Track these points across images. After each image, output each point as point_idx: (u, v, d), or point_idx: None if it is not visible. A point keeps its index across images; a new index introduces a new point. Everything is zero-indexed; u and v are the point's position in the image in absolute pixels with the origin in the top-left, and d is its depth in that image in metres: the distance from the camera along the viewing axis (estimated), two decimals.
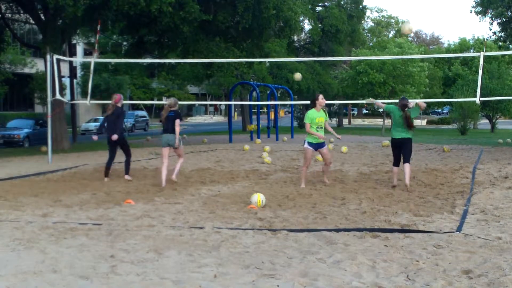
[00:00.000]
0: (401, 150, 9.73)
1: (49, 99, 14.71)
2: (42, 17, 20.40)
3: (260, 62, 33.97)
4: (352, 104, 61.40)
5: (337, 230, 6.24)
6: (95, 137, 12.06)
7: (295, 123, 38.64)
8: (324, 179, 10.45)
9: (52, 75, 14.71)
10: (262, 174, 12.10)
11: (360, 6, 44.06)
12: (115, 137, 10.86)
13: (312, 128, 9.82)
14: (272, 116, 35.55)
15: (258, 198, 8.05)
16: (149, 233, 6.21)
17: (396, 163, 9.89)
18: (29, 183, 10.74)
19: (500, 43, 22.62)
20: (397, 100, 10.22)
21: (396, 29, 64.92)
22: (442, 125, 49.06)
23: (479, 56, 13.47)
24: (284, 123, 43.08)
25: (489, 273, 4.58)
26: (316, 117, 9.80)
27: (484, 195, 8.63)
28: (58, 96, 15.94)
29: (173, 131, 10.35)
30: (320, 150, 10.06)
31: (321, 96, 9.98)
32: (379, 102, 11.05)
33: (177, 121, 10.40)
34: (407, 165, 9.60)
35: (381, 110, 11.65)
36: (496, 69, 39.34)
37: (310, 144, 9.94)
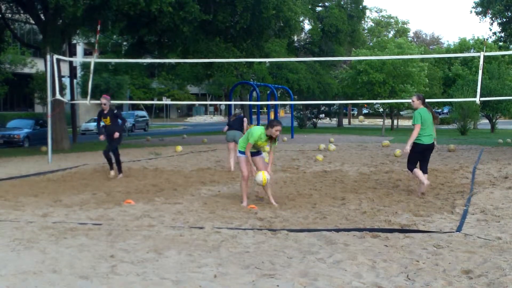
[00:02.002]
0: (425, 155, 8.93)
1: (49, 99, 14.72)
2: (42, 17, 20.41)
3: (260, 62, 33.99)
4: (352, 104, 61.42)
5: (337, 230, 6.23)
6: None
7: (295, 123, 38.67)
8: (270, 199, 8.24)
9: (52, 75, 14.71)
10: None
11: (360, 6, 44.11)
12: (116, 135, 11.46)
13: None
14: (272, 116, 35.58)
15: (263, 176, 7.95)
16: (149, 233, 6.21)
17: (416, 165, 8.89)
18: (29, 183, 10.74)
19: (500, 43, 22.62)
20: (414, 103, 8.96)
21: (395, 29, 65.00)
22: (442, 125, 49.03)
23: (479, 56, 13.47)
24: (284, 123, 43.10)
25: (489, 273, 4.58)
26: (261, 140, 8.08)
27: (484, 195, 8.62)
28: (58, 96, 15.94)
29: (238, 128, 12.49)
30: (253, 158, 8.27)
31: (278, 128, 8.03)
32: (409, 143, 8.87)
33: (245, 119, 12.93)
34: (426, 175, 8.94)
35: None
36: (496, 69, 39.35)
37: (241, 152, 8.26)
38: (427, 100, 9.19)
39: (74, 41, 36.71)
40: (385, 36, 56.55)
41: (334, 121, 51.27)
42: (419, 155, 8.89)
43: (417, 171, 8.81)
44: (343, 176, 11.54)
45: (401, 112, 42.97)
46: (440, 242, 5.66)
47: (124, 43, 31.44)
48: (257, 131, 8.09)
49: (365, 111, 73.89)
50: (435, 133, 8.97)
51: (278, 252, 5.36)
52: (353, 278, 4.53)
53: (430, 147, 8.88)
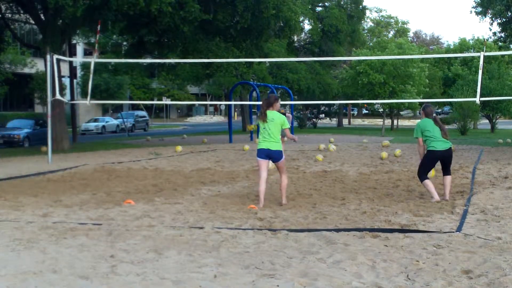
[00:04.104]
0: (444, 162, 8.45)
1: (49, 99, 14.72)
2: (42, 17, 20.40)
3: (260, 62, 33.99)
4: (352, 104, 61.39)
5: (337, 230, 6.23)
6: None
7: (295, 123, 38.67)
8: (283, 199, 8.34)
9: (52, 75, 14.71)
10: None
11: (360, 6, 44.11)
12: None
13: None
14: None
15: None
16: (149, 233, 6.21)
17: (427, 176, 8.46)
18: (29, 183, 10.74)
19: (500, 43, 22.62)
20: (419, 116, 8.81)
21: (395, 29, 65.02)
22: None
23: (479, 56, 13.48)
24: None
25: (489, 273, 4.58)
26: None
27: (484, 195, 8.62)
28: (58, 96, 15.94)
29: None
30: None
31: (278, 100, 8.40)
32: (421, 149, 8.54)
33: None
34: (449, 178, 8.56)
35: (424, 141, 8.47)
36: (496, 69, 39.31)
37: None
38: (427, 100, 8.87)
39: (74, 41, 36.71)
40: (385, 36, 56.57)
41: (334, 121, 51.29)
42: (432, 163, 8.47)
43: (428, 183, 8.33)
44: (343, 176, 11.54)
45: (401, 112, 43.01)
46: (440, 242, 5.66)
47: (124, 43, 31.44)
48: (281, 116, 8.14)
49: (365, 111, 73.90)
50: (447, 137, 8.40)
51: (278, 252, 5.36)
52: (353, 278, 4.52)
53: (441, 154, 8.30)
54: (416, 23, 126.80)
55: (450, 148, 8.45)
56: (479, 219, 6.77)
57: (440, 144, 8.29)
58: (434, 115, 8.54)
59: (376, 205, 7.95)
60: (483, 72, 13.35)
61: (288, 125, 8.24)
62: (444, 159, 8.42)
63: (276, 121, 8.03)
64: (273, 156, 8.10)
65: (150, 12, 17.74)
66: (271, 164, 8.55)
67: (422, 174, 8.41)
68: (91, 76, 15.05)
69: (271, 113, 8.10)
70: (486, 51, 16.60)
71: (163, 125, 52.40)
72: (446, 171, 8.53)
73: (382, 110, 41.07)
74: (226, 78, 35.57)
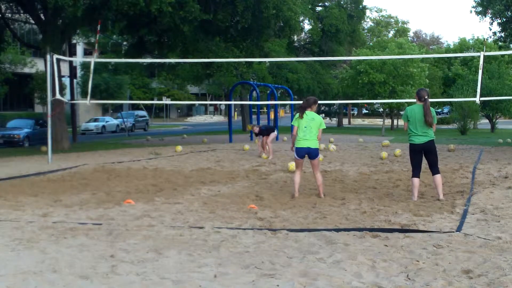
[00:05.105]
0: (426, 157, 8.37)
1: (49, 99, 14.72)
2: (42, 17, 20.41)
3: (260, 62, 34.00)
4: (352, 104, 61.38)
5: (337, 230, 6.23)
6: None
7: None
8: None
9: (52, 75, 14.71)
10: (262, 174, 12.10)
11: (360, 6, 44.12)
12: None
13: None
14: (272, 116, 35.53)
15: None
16: (149, 233, 6.21)
17: (417, 174, 8.35)
18: (29, 183, 10.73)
19: (500, 43, 22.61)
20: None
21: (395, 29, 65.01)
22: (442, 125, 49.07)
23: (479, 56, 13.48)
24: (284, 123, 43.14)
25: (489, 273, 4.58)
26: None
27: (484, 195, 8.62)
28: (58, 96, 15.93)
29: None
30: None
31: (316, 102, 9.07)
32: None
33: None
34: (438, 177, 8.37)
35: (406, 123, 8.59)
36: (496, 69, 39.30)
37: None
38: (428, 100, 8.55)
39: (74, 41, 36.76)
40: (385, 36, 56.53)
41: (334, 121, 51.29)
42: (415, 156, 8.38)
43: (414, 182, 8.36)
44: (343, 176, 11.54)
45: (401, 112, 43.00)
46: (440, 242, 5.66)
47: (124, 43, 31.46)
48: (319, 117, 8.93)
49: (365, 111, 73.90)
50: (430, 132, 8.25)
51: (278, 252, 5.36)
52: (353, 278, 4.53)
53: (420, 147, 8.25)
54: (416, 23, 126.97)
55: (431, 141, 8.29)
56: (479, 219, 6.77)
57: (418, 138, 8.25)
58: (425, 98, 8.24)
59: (376, 205, 7.95)
60: (483, 72, 13.34)
61: (324, 126, 9.00)
62: (426, 151, 8.32)
63: (316, 120, 8.78)
64: (312, 153, 8.91)
65: (150, 12, 17.74)
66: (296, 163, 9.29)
67: (412, 169, 8.42)
68: (91, 76, 15.06)
69: (311, 113, 8.78)
70: (486, 51, 16.58)
71: (163, 125, 52.41)
72: (433, 169, 8.40)
73: (382, 110, 41.06)
74: (226, 78, 35.56)
